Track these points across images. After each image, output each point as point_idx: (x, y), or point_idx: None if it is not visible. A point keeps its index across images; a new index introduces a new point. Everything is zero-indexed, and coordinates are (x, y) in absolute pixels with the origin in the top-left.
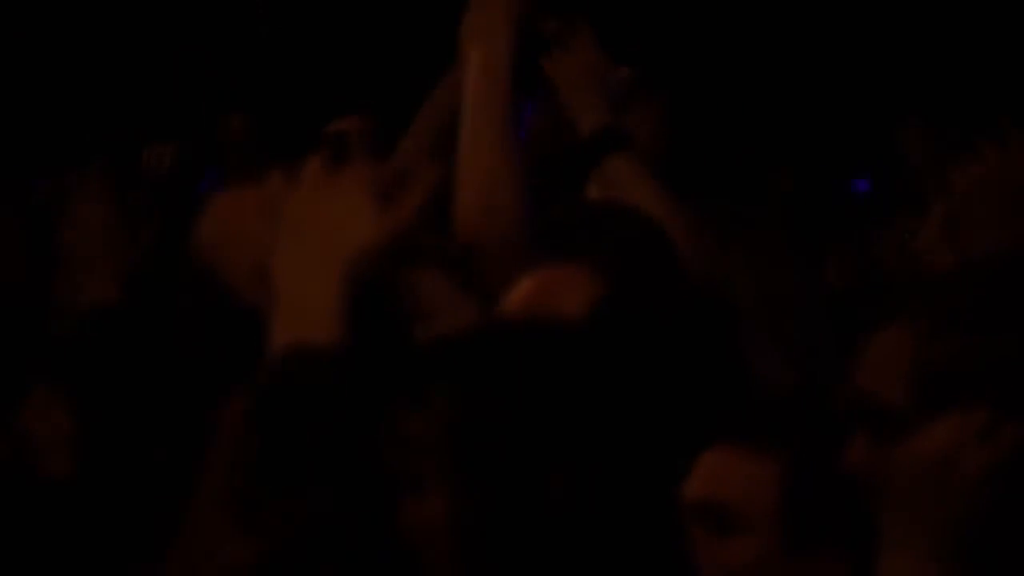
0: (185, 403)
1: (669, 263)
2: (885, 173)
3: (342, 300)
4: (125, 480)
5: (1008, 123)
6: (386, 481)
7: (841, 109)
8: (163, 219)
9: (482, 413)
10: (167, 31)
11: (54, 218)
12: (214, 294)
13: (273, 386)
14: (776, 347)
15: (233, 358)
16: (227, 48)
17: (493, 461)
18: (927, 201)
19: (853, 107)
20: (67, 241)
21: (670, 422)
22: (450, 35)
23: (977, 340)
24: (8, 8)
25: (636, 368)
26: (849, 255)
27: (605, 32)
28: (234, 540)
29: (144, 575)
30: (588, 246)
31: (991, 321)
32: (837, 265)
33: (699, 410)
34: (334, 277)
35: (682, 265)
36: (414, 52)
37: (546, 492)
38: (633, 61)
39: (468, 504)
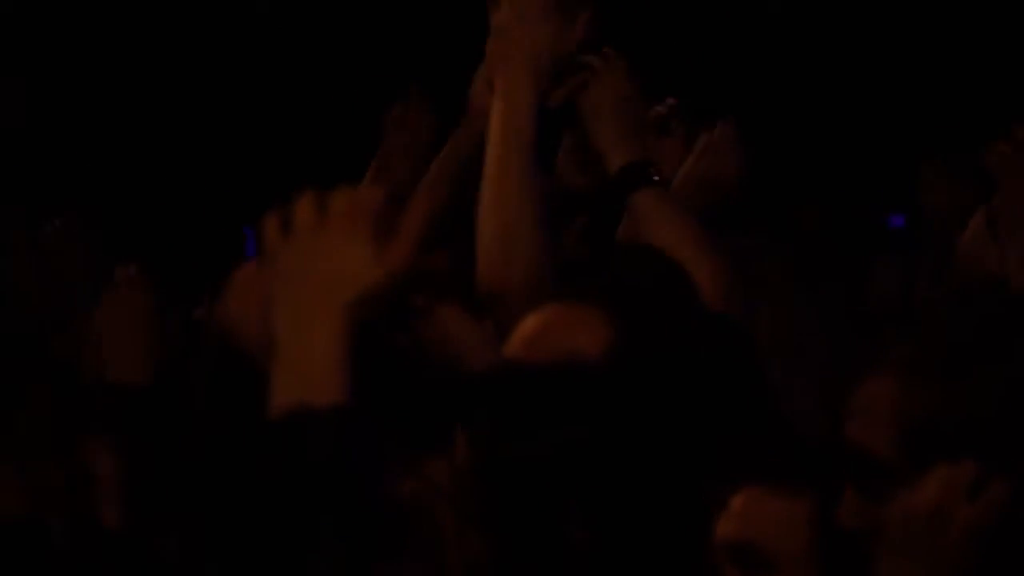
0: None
1: (685, 303)
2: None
3: (344, 350)
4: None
5: None
6: (389, 540)
7: (875, 144)
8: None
9: (504, 456)
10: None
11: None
12: (235, 361)
13: (273, 452)
14: (797, 384)
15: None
16: (227, 47)
17: (517, 503)
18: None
19: (887, 143)
20: (99, 323)
21: (694, 459)
22: (450, 35)
23: (960, 389)
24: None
25: (656, 408)
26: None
27: (639, 66)
28: None
29: None
30: (600, 286)
31: (973, 368)
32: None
33: (723, 447)
34: (335, 326)
35: (703, 304)
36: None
37: (571, 534)
38: (668, 94)
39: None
